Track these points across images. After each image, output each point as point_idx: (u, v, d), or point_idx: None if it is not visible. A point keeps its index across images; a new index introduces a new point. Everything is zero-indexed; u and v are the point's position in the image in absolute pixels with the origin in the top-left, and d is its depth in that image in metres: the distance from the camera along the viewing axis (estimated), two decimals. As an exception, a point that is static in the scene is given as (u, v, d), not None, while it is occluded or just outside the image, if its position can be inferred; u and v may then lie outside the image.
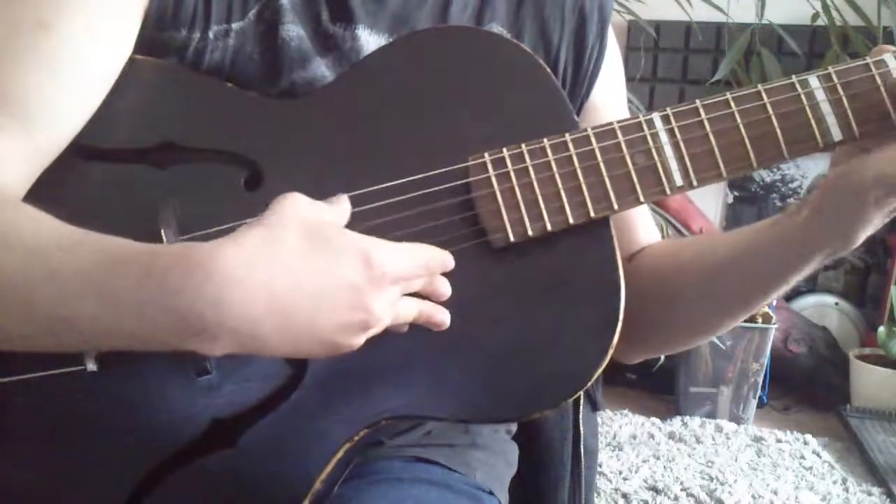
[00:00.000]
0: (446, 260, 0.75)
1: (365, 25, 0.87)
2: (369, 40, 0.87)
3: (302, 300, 0.67)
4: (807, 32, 2.80)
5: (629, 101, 1.09)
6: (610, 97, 0.96)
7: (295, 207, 0.69)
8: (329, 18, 0.86)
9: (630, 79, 1.02)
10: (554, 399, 0.79)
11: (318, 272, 0.67)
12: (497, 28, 0.90)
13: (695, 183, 0.78)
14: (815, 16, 2.60)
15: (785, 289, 0.82)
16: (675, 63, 3.02)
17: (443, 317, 0.75)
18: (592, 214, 0.78)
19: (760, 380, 2.55)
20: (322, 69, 0.85)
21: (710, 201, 2.94)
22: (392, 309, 0.71)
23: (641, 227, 0.96)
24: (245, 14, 0.84)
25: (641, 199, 0.78)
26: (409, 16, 0.88)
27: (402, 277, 0.71)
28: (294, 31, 0.85)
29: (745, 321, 1.01)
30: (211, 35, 0.83)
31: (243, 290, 0.65)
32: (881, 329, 2.60)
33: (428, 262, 0.74)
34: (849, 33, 2.57)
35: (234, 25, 0.84)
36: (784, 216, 0.80)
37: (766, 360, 2.54)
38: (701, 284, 0.86)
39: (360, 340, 0.70)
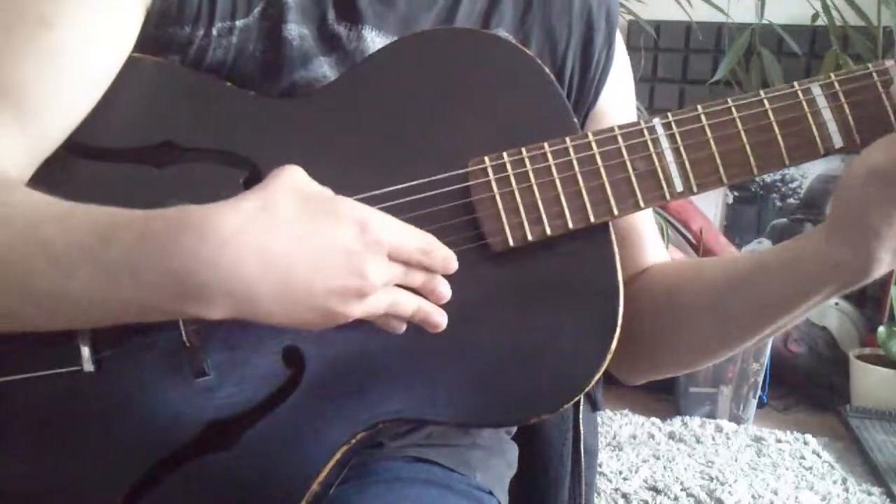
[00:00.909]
0: (449, 258, 0.74)
1: (372, 26, 0.86)
2: (376, 41, 0.86)
3: (297, 263, 0.67)
4: (807, 32, 2.79)
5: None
6: (617, 105, 0.95)
7: (293, 176, 0.69)
8: (335, 18, 0.86)
9: (630, 78, 1.02)
10: (553, 404, 0.79)
11: (312, 236, 0.67)
12: (503, 33, 0.90)
13: (695, 189, 0.78)
14: (815, 16, 2.60)
15: (794, 317, 0.79)
16: (675, 63, 3.02)
17: (440, 318, 0.74)
18: (592, 219, 0.78)
19: (760, 380, 2.55)
20: (324, 69, 0.85)
21: (710, 201, 2.94)
22: (389, 284, 0.71)
23: (651, 244, 0.95)
24: (250, 11, 0.84)
25: (641, 204, 0.78)
26: (417, 18, 0.88)
27: (398, 250, 0.70)
28: (296, 30, 0.84)
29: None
30: (214, 32, 0.83)
31: (237, 252, 0.65)
32: (881, 329, 2.59)
33: (428, 248, 0.73)
34: (849, 33, 2.57)
35: (239, 23, 0.84)
36: (799, 237, 0.79)
37: (765, 360, 2.54)
38: (710, 300, 0.84)
39: (355, 309, 0.69)
